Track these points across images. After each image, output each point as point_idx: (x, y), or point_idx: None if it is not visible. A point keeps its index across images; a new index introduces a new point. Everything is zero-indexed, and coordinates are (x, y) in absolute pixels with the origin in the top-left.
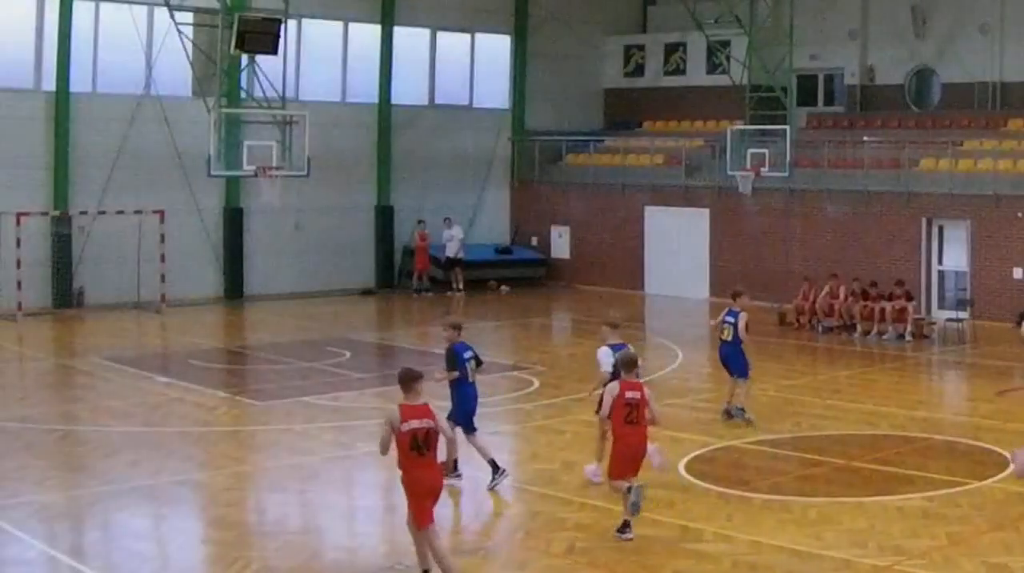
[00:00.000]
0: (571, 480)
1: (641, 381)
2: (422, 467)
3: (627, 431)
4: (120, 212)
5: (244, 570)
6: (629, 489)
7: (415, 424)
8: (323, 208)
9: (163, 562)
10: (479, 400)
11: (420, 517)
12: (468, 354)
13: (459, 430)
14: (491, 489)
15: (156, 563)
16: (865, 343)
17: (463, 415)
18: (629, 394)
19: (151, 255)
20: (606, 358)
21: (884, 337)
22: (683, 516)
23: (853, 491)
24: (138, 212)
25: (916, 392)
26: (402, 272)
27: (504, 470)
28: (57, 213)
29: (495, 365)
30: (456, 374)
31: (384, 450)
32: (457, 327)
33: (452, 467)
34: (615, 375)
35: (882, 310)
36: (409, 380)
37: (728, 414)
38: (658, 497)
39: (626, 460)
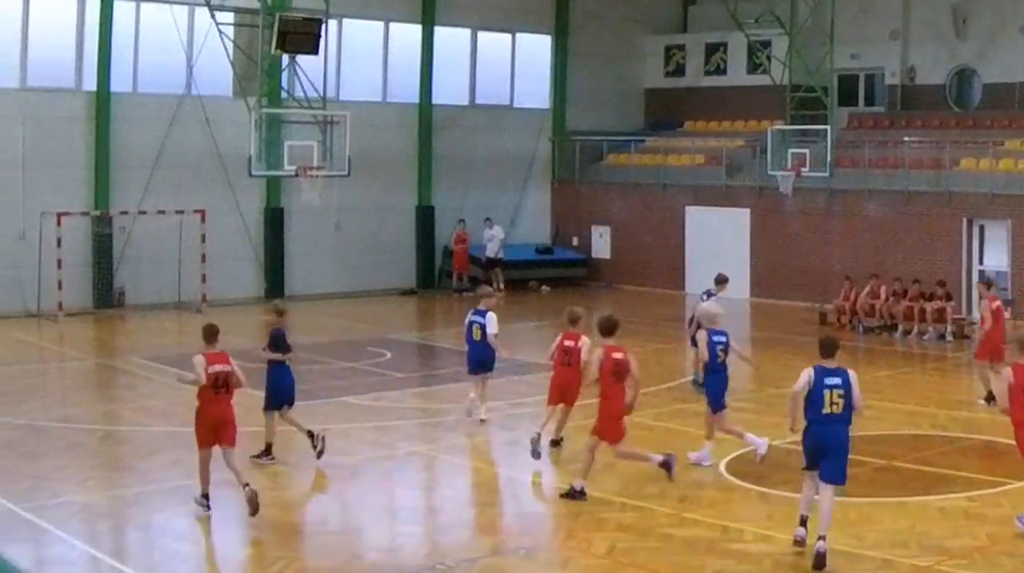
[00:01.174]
0: (612, 480)
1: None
2: (218, 402)
3: (560, 370)
4: (161, 212)
5: (284, 570)
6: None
7: (217, 368)
8: (364, 208)
9: (203, 562)
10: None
11: (202, 441)
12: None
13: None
14: (319, 456)
15: (196, 563)
16: (906, 343)
17: (277, 396)
18: (567, 343)
19: (192, 255)
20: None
21: (925, 337)
22: (724, 516)
23: (894, 491)
24: (179, 212)
25: (957, 392)
26: (442, 272)
27: (322, 435)
28: (98, 213)
29: (535, 365)
30: (280, 356)
31: (198, 383)
32: (281, 312)
33: (266, 451)
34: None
35: (922, 310)
36: (212, 333)
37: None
38: (699, 497)
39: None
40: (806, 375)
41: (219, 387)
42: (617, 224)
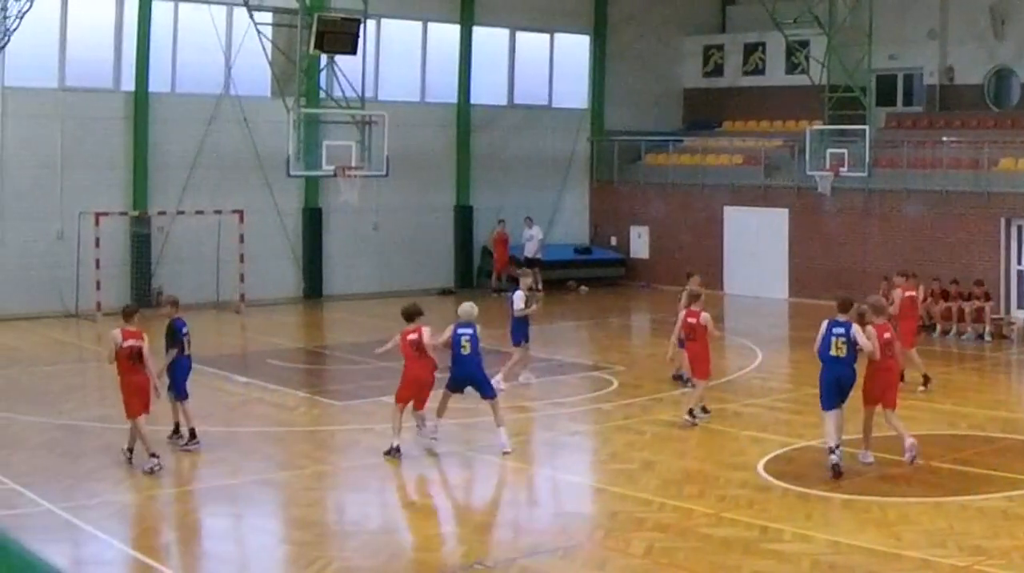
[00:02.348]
0: (651, 480)
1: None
2: (135, 372)
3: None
4: (199, 212)
5: (323, 570)
6: None
7: (132, 342)
8: (402, 208)
9: (242, 562)
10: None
11: (131, 409)
12: (185, 329)
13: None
14: (184, 449)
15: (235, 563)
16: (944, 343)
17: (178, 384)
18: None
19: (230, 255)
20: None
21: (963, 337)
22: (762, 516)
23: (932, 491)
24: (217, 212)
25: (995, 392)
26: (481, 272)
27: (199, 441)
28: (136, 213)
29: (574, 365)
30: (176, 349)
31: (110, 361)
32: (175, 304)
33: (191, 435)
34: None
35: (961, 310)
36: (130, 313)
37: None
38: (737, 497)
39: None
40: (823, 326)
41: (134, 359)
42: (655, 224)
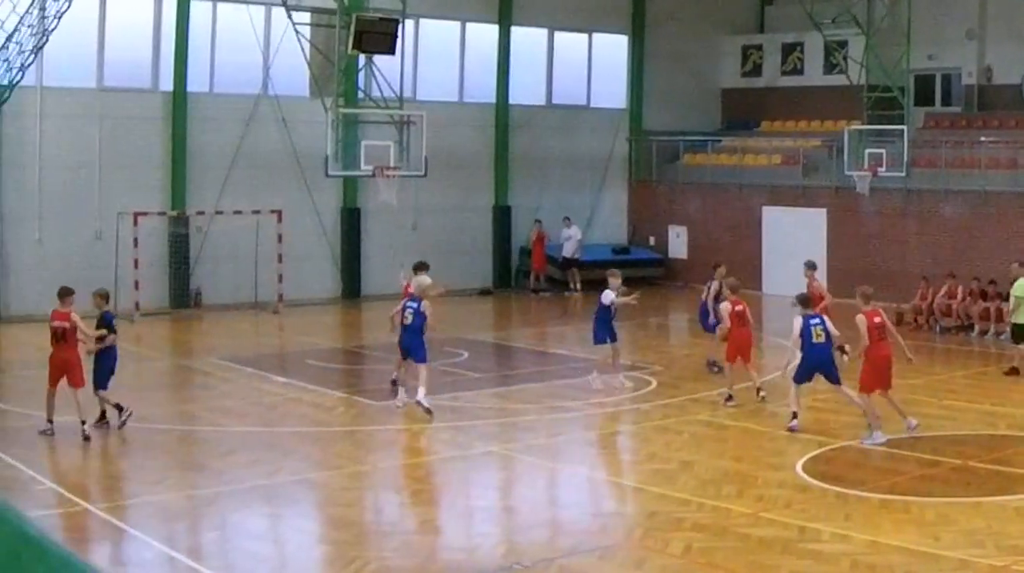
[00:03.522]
0: (689, 480)
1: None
2: (59, 350)
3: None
4: (237, 212)
5: (361, 570)
6: None
7: (56, 323)
8: (440, 208)
9: (280, 562)
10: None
11: (53, 381)
12: (114, 321)
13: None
14: (120, 427)
15: (273, 563)
16: (983, 343)
17: (104, 374)
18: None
19: (268, 255)
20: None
21: (1001, 337)
22: (801, 516)
23: (971, 491)
24: (255, 212)
25: None
26: (519, 272)
27: (130, 410)
28: (174, 213)
29: (613, 365)
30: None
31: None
32: (105, 297)
33: (100, 416)
34: None
35: (999, 310)
36: (63, 293)
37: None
38: (776, 497)
39: None
40: (799, 323)
41: (59, 338)
42: (694, 224)
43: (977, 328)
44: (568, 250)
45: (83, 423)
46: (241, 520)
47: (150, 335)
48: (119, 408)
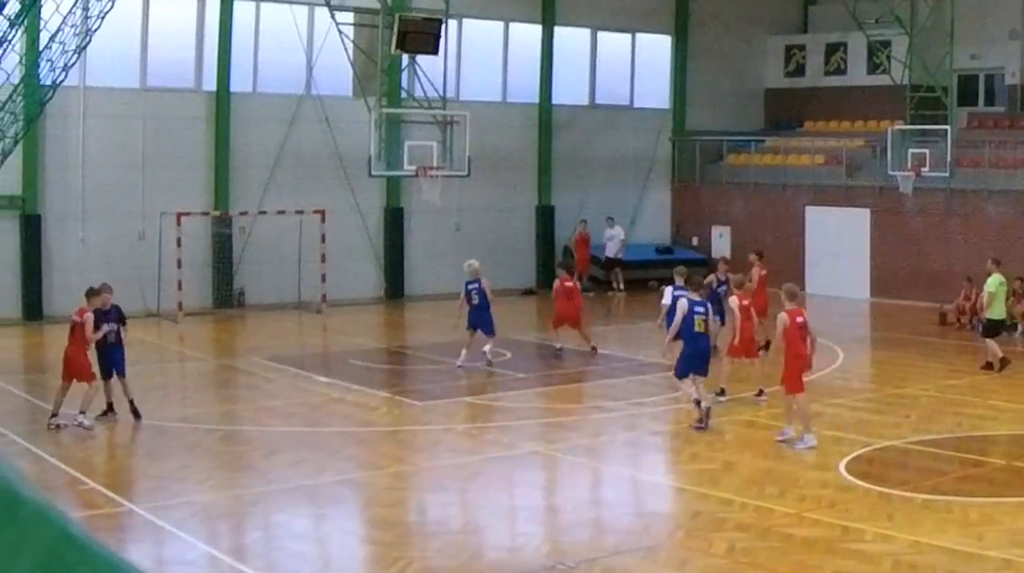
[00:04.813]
0: (732, 480)
1: None
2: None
3: None
4: (281, 212)
5: (405, 570)
6: None
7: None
8: (484, 208)
9: (324, 562)
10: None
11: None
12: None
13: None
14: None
15: (317, 563)
16: None
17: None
18: None
19: (312, 255)
20: None
21: None
22: (844, 516)
23: (1014, 491)
24: (299, 212)
25: None
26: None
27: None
28: (218, 213)
29: (655, 365)
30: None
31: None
32: (110, 290)
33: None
34: None
35: None
36: (91, 294)
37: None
38: (819, 497)
39: None
40: (684, 304)
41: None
42: (737, 224)
43: (1020, 328)
44: (611, 250)
45: (54, 416)
46: (285, 520)
47: (193, 335)
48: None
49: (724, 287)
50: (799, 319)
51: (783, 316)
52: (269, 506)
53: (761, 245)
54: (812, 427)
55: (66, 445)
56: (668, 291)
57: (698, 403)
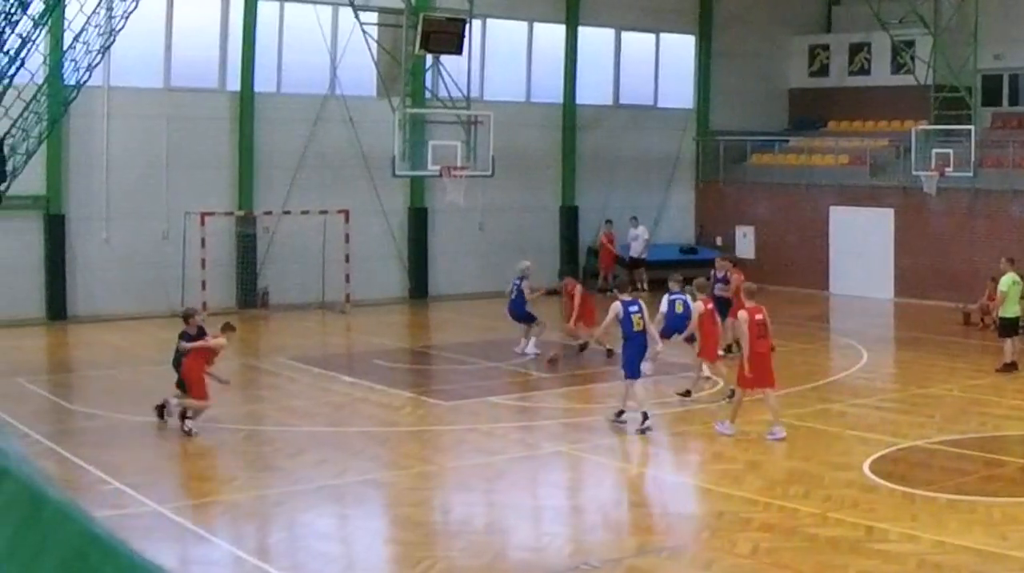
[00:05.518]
0: (756, 480)
1: None
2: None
3: None
4: (305, 212)
5: (429, 570)
6: None
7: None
8: (508, 208)
9: (348, 562)
10: None
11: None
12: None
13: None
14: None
15: (341, 563)
16: None
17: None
18: None
19: (336, 255)
20: None
21: None
22: (868, 516)
23: None
24: (323, 212)
25: None
26: (587, 272)
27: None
28: (242, 213)
29: (679, 365)
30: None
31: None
32: (192, 315)
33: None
34: None
35: None
36: (188, 316)
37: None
38: (843, 497)
39: None
40: (617, 306)
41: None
42: (761, 224)
43: None
44: (635, 250)
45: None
46: (309, 520)
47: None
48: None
49: (719, 284)
50: (758, 317)
51: (743, 314)
52: (293, 506)
53: (786, 246)
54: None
55: (90, 445)
56: (665, 299)
57: (622, 412)
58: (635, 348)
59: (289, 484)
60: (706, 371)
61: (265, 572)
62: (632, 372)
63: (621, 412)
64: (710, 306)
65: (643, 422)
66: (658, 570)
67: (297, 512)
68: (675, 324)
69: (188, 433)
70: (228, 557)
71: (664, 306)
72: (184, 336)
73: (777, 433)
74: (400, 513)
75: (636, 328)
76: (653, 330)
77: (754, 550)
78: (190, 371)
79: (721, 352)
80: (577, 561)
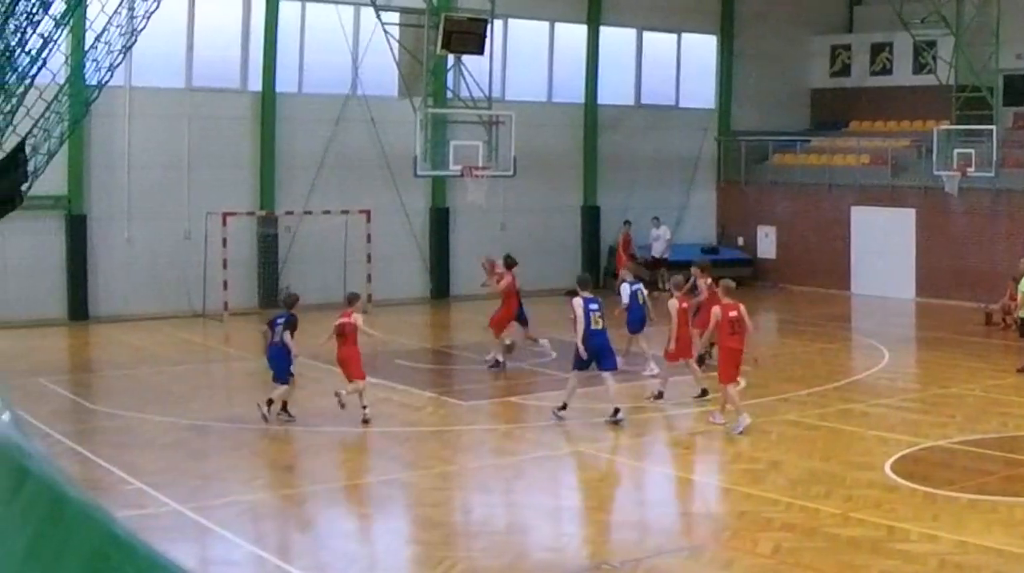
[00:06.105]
0: (777, 480)
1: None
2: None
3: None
4: (326, 212)
5: (450, 570)
6: None
7: (341, 321)
8: (529, 208)
9: (370, 562)
10: None
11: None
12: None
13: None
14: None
15: (362, 563)
16: None
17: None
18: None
19: (357, 255)
20: None
21: None
22: (889, 516)
23: None
24: (344, 212)
25: None
26: (608, 272)
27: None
28: (263, 213)
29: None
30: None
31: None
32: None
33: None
34: None
35: None
36: (353, 299)
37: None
38: (865, 497)
39: None
40: (580, 304)
41: (342, 336)
42: (783, 224)
43: None
44: (657, 250)
45: (364, 408)
46: (330, 520)
47: (239, 335)
48: (270, 403)
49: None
50: (732, 314)
51: (716, 310)
52: (315, 506)
53: (808, 246)
54: (743, 410)
55: (112, 445)
56: (626, 290)
57: (563, 407)
58: (588, 345)
59: (310, 484)
60: (652, 366)
61: (286, 572)
62: (577, 365)
63: (564, 405)
64: (685, 305)
65: (561, 409)
66: (678, 570)
67: (319, 512)
68: (639, 315)
69: (366, 421)
70: (249, 557)
71: (625, 298)
72: (288, 324)
73: (743, 422)
74: (421, 513)
75: (594, 326)
76: (646, 347)
77: (775, 550)
78: (349, 355)
79: (694, 362)
80: (597, 561)
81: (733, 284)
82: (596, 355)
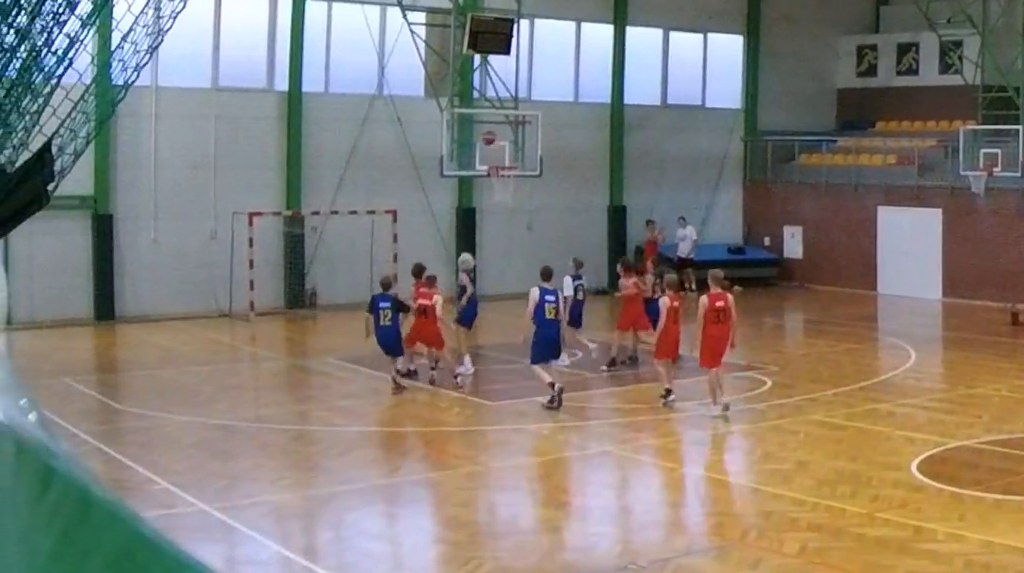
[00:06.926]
0: (804, 480)
1: None
2: (420, 323)
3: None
4: (353, 212)
5: (476, 570)
6: None
7: (420, 301)
8: (556, 208)
9: (396, 562)
10: None
11: (411, 342)
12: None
13: None
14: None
15: (389, 563)
16: None
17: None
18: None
19: (384, 255)
20: None
21: None
22: (916, 516)
23: None
24: (370, 212)
25: None
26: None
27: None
28: (289, 213)
29: (728, 365)
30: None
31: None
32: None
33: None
34: None
35: None
36: (433, 278)
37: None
38: (891, 497)
39: None
40: (535, 293)
41: (421, 313)
42: (809, 224)
43: None
44: (683, 250)
45: (432, 370)
46: (357, 520)
47: (265, 335)
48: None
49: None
50: (718, 303)
51: (703, 298)
52: (341, 506)
53: (834, 246)
54: (720, 398)
55: (138, 445)
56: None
57: (552, 385)
58: (543, 336)
59: (337, 484)
60: (613, 350)
61: (313, 572)
62: (535, 358)
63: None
64: (676, 304)
65: (551, 402)
66: (706, 570)
67: (345, 512)
68: (579, 309)
69: (459, 385)
70: (276, 557)
71: (568, 290)
72: (394, 307)
73: (715, 410)
74: (448, 513)
75: (548, 316)
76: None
77: (802, 550)
78: (431, 331)
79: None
80: (625, 561)
81: (721, 274)
82: (549, 344)
